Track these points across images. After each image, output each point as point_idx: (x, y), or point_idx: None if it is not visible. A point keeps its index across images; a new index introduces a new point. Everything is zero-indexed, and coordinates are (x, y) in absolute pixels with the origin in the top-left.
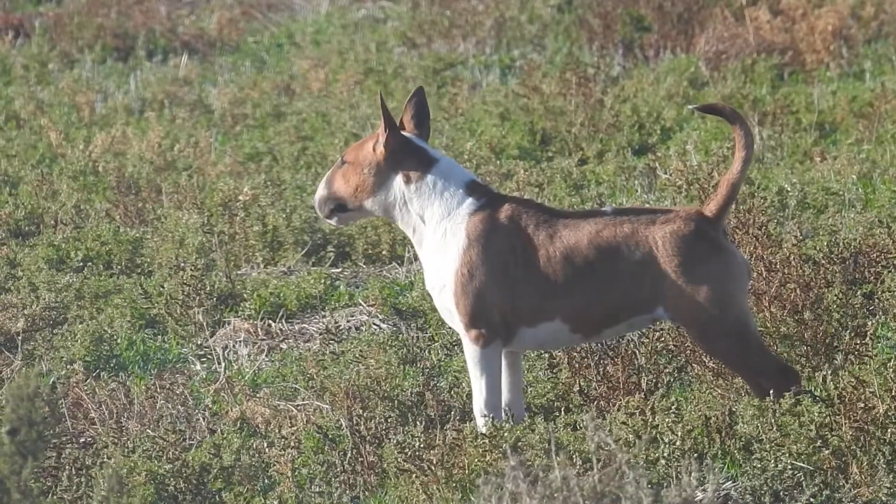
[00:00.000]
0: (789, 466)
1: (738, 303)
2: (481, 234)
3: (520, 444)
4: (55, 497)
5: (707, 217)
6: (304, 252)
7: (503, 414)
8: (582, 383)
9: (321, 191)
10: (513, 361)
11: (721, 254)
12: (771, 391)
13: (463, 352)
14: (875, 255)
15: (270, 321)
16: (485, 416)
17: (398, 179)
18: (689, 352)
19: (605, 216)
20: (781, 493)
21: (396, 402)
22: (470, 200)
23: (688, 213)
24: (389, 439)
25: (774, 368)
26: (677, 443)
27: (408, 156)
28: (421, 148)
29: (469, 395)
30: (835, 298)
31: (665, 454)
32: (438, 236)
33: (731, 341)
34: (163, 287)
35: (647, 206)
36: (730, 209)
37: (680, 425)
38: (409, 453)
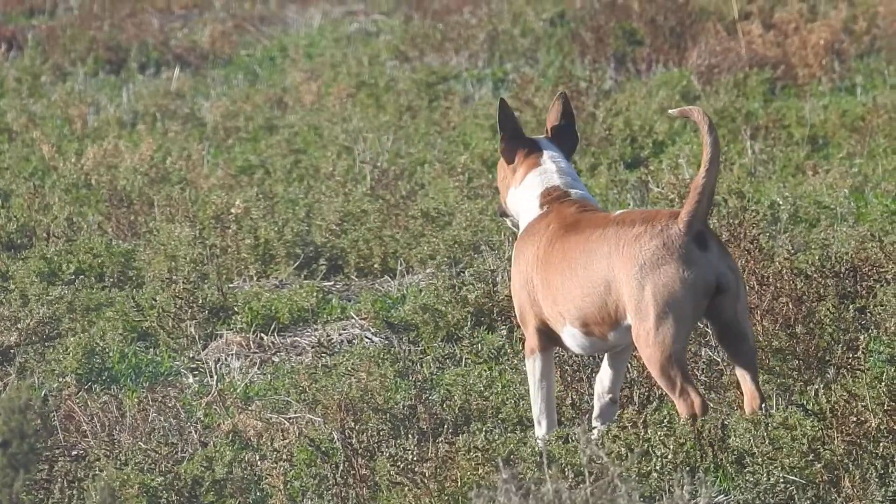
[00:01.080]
0: (781, 480)
1: (680, 318)
2: (520, 243)
3: (512, 457)
4: None
5: (673, 221)
6: (296, 265)
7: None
8: (574, 396)
9: None
10: (617, 357)
11: (679, 263)
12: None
13: (458, 365)
14: (867, 269)
15: (262, 334)
16: (539, 423)
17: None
18: None
19: (601, 218)
20: None
21: (389, 415)
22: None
23: (657, 216)
24: (382, 452)
25: (691, 399)
26: (669, 456)
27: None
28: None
29: (461, 409)
30: (827, 312)
31: (657, 467)
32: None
33: (655, 351)
34: (155, 300)
35: (642, 208)
36: (701, 215)
37: (672, 438)
38: (402, 466)
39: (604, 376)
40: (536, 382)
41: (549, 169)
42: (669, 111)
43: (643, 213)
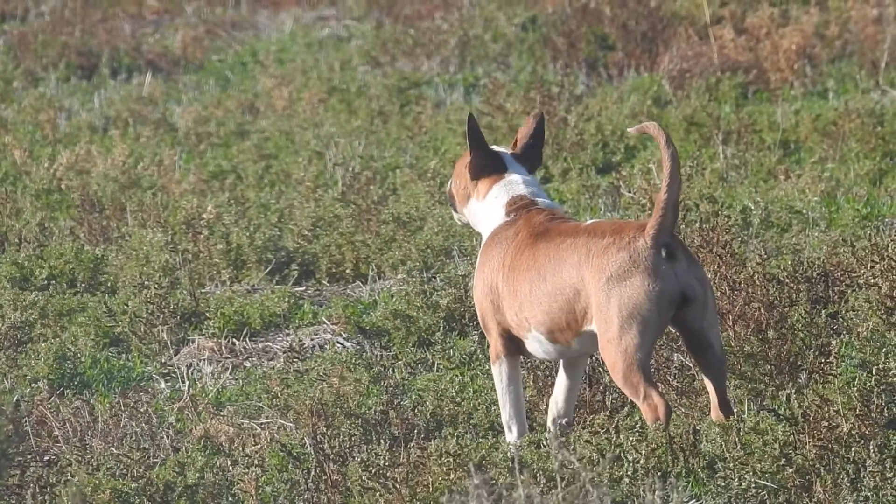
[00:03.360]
0: (753, 485)
1: (643, 329)
2: (485, 250)
3: (484, 462)
4: None
5: (640, 232)
6: (267, 270)
7: (552, 406)
8: (547, 401)
9: None
10: (571, 371)
11: (644, 275)
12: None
13: (429, 370)
14: (839, 274)
15: (234, 339)
16: (510, 429)
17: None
18: (653, 370)
19: (570, 227)
20: None
21: (361, 420)
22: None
23: (624, 227)
24: (353, 458)
25: (643, 399)
26: (641, 461)
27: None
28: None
29: (432, 414)
30: (799, 317)
31: (629, 472)
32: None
33: (618, 360)
34: (127, 305)
35: (613, 219)
36: (667, 228)
37: (644, 444)
38: (374, 472)
39: (559, 397)
40: (504, 388)
41: (515, 180)
42: (628, 130)
43: (613, 223)
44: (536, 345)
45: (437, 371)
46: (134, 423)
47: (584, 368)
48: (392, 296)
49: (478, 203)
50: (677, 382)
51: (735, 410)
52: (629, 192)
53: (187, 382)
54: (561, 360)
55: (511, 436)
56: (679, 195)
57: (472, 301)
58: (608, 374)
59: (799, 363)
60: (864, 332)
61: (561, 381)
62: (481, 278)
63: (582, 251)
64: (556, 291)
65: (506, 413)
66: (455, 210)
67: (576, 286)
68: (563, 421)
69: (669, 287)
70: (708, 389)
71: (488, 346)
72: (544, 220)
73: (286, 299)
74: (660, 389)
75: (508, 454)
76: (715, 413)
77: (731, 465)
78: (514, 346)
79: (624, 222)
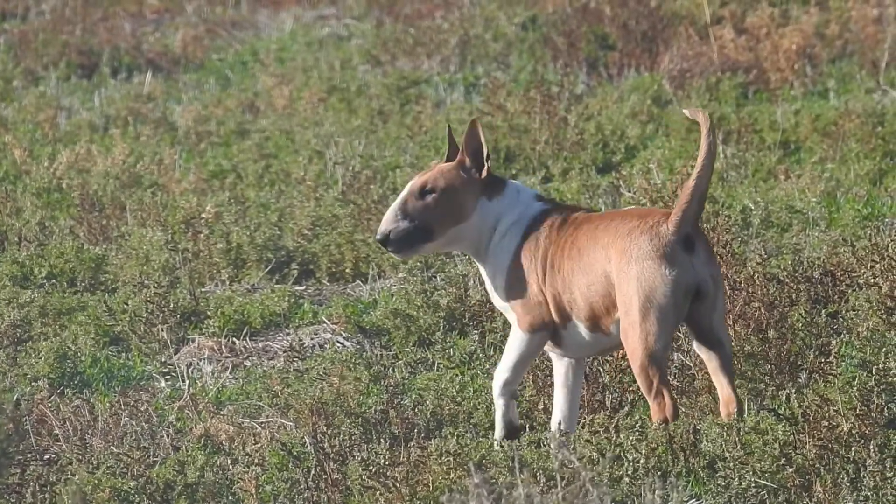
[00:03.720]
0: (753, 484)
1: (661, 315)
2: (522, 239)
3: (484, 461)
4: None
5: (664, 220)
6: (267, 269)
7: (554, 426)
8: (546, 401)
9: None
10: (574, 373)
11: (662, 260)
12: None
13: (430, 370)
14: (839, 273)
15: (234, 339)
16: (501, 390)
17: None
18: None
19: (595, 215)
20: None
21: (361, 419)
22: None
23: (647, 214)
24: (354, 457)
25: (664, 400)
26: (641, 461)
27: None
28: None
29: (432, 413)
30: (799, 317)
31: (629, 472)
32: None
33: (638, 346)
34: (127, 304)
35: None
36: (690, 218)
37: (644, 443)
38: (374, 471)
39: (564, 415)
40: (522, 357)
41: (519, 183)
42: (684, 110)
43: (642, 209)
44: (573, 335)
45: (438, 370)
46: (134, 422)
47: (580, 387)
48: (392, 295)
49: (497, 201)
50: (678, 382)
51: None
52: (629, 191)
53: (187, 381)
54: (561, 377)
55: (497, 410)
56: (707, 187)
57: (473, 301)
58: (609, 374)
59: (799, 363)
60: (865, 332)
61: (561, 397)
62: (530, 255)
63: (611, 233)
64: (591, 273)
65: (501, 385)
66: (426, 241)
67: (605, 268)
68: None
69: (686, 277)
70: (717, 388)
71: (519, 320)
72: (583, 211)
73: (286, 298)
74: (672, 391)
75: (509, 454)
76: (725, 411)
77: (732, 464)
78: (552, 328)
79: (651, 209)
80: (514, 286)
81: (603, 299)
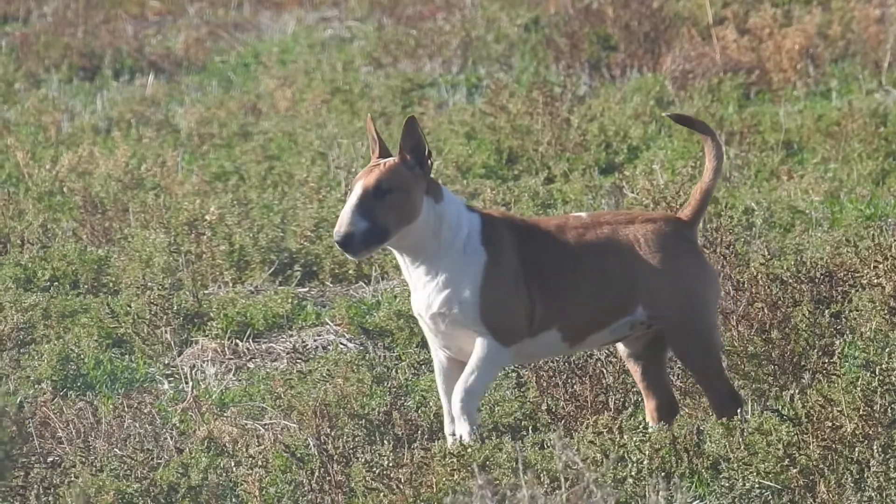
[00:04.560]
0: (757, 485)
1: (711, 311)
2: (481, 249)
3: (488, 463)
4: None
5: (685, 221)
6: (270, 271)
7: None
8: (550, 402)
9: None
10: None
11: (699, 258)
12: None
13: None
14: (842, 274)
15: (238, 340)
16: (467, 416)
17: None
18: (682, 369)
19: (582, 220)
20: None
21: (364, 421)
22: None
23: (666, 216)
24: (357, 458)
25: (725, 391)
26: (645, 462)
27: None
28: None
29: (436, 415)
30: (802, 317)
31: (633, 473)
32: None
33: (699, 346)
34: (130, 306)
35: (623, 210)
36: (702, 216)
37: (647, 444)
38: (377, 472)
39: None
40: (492, 373)
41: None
42: (664, 114)
43: (637, 212)
44: (539, 344)
45: None
46: (137, 425)
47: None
48: (395, 296)
49: (441, 205)
50: (681, 382)
51: (739, 411)
52: (632, 192)
53: (190, 383)
54: (445, 375)
55: (465, 427)
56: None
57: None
58: (613, 374)
59: (802, 363)
60: (868, 332)
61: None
62: (507, 268)
63: (622, 236)
64: (599, 281)
65: (476, 399)
66: (382, 241)
67: (618, 274)
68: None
69: (716, 275)
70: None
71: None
72: (518, 216)
73: (289, 300)
74: (732, 385)
75: (512, 455)
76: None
77: (735, 465)
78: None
79: (641, 211)
80: (493, 302)
81: (605, 310)
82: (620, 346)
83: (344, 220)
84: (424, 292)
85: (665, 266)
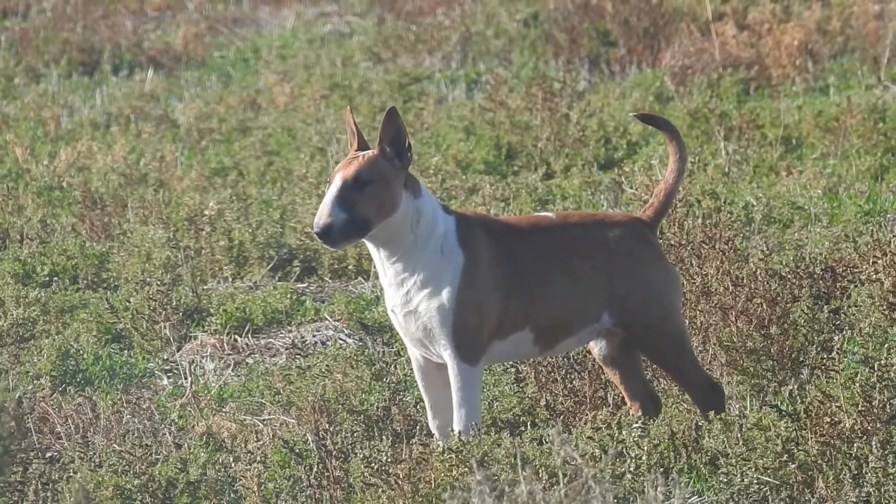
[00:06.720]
0: (755, 481)
1: (677, 309)
2: (455, 252)
3: (486, 458)
4: None
5: (646, 222)
6: (270, 267)
7: (435, 429)
8: (548, 398)
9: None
10: (445, 385)
11: (663, 260)
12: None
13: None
14: (841, 269)
15: (237, 336)
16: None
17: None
18: (654, 367)
19: (552, 220)
20: None
21: (363, 416)
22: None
23: (630, 217)
24: (356, 454)
25: (705, 383)
26: (643, 457)
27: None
28: None
29: None
30: (801, 313)
31: (631, 469)
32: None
33: (671, 345)
34: (129, 302)
35: (587, 211)
36: (664, 217)
37: (646, 440)
38: (376, 468)
39: (443, 412)
40: (476, 391)
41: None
42: (630, 114)
43: (601, 214)
44: (510, 347)
45: None
46: (136, 420)
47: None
48: None
49: (420, 200)
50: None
51: (738, 406)
52: (631, 188)
53: (189, 379)
54: (423, 371)
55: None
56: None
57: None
58: (608, 374)
59: (801, 359)
60: (867, 328)
61: (436, 397)
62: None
63: (592, 239)
64: (572, 284)
65: (475, 416)
66: (362, 233)
67: (590, 278)
68: (449, 430)
69: (678, 275)
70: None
71: (460, 350)
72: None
73: (288, 296)
74: (710, 376)
75: (511, 451)
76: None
77: (734, 461)
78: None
79: (604, 213)
80: (467, 306)
81: (575, 314)
82: (595, 353)
83: (324, 211)
84: (402, 289)
85: (632, 271)
